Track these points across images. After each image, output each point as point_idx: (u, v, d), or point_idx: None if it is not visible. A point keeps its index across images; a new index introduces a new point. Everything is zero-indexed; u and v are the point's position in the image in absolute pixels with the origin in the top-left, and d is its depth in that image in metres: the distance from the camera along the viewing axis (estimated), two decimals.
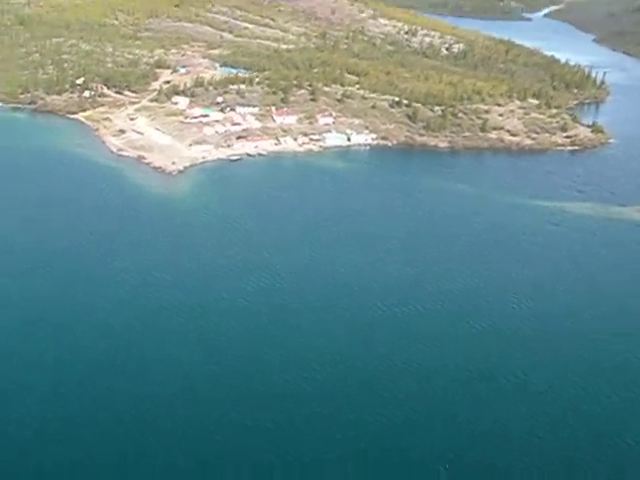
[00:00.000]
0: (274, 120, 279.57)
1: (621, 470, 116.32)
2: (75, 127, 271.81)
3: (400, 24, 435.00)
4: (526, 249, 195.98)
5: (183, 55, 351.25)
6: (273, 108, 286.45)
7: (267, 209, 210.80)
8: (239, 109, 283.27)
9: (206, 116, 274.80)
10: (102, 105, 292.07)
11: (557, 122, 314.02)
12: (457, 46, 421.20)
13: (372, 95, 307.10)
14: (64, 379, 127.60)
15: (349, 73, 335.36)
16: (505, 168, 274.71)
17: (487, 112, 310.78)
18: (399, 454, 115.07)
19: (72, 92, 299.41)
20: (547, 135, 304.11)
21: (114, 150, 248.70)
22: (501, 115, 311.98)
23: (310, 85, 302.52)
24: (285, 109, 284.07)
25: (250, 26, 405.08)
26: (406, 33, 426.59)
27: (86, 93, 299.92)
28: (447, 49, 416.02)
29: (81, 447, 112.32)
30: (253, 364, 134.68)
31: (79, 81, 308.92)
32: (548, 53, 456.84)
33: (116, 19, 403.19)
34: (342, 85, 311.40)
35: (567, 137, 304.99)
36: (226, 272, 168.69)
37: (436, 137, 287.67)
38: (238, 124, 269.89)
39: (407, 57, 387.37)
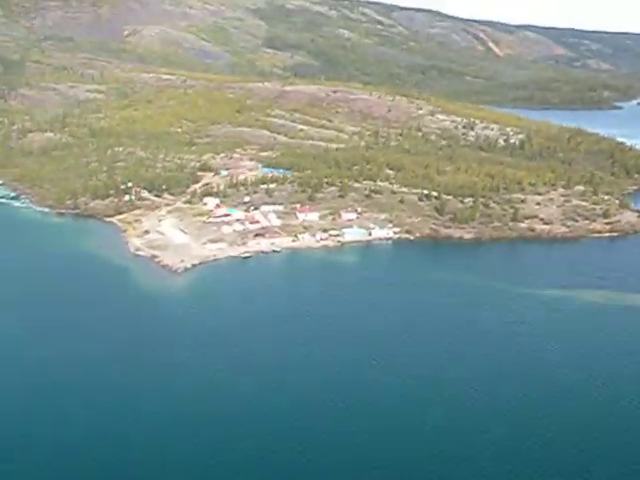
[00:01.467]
0: (297, 217, 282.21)
1: None
2: (106, 229, 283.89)
3: (459, 119, 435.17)
4: (507, 336, 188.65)
5: (230, 158, 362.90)
6: (298, 206, 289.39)
7: (256, 305, 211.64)
8: (264, 207, 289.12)
9: (228, 215, 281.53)
10: (139, 208, 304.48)
11: (601, 208, 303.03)
12: (516, 137, 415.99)
13: (403, 189, 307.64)
14: None
15: (390, 169, 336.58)
16: (527, 257, 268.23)
17: (523, 201, 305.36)
18: None
19: (115, 197, 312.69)
20: (586, 222, 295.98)
21: (132, 250, 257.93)
22: (538, 204, 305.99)
23: (340, 182, 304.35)
24: (307, 206, 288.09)
25: (305, 128, 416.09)
26: (463, 127, 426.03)
27: (126, 197, 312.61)
28: (505, 140, 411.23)
29: None
30: None
31: (124, 186, 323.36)
32: (621, 140, 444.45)
33: (180, 127, 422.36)
34: (374, 180, 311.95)
35: (607, 223, 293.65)
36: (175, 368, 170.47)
37: (462, 229, 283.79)
38: (257, 222, 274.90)
39: (459, 150, 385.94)
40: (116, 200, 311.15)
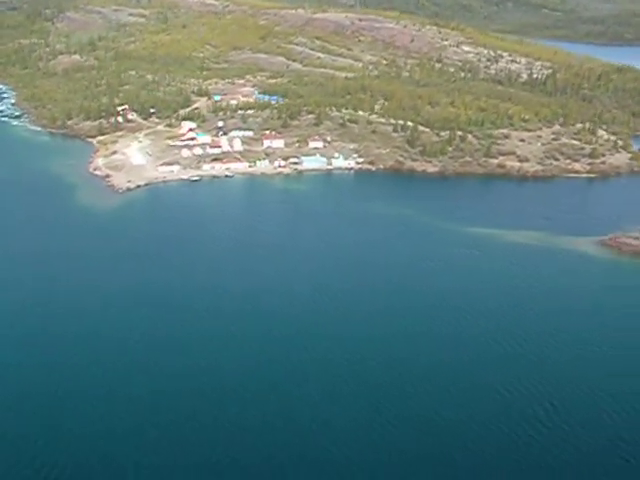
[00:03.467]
0: (262, 144, 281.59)
1: None
2: (81, 149, 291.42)
3: (486, 51, 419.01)
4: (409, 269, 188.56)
5: (233, 84, 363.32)
6: (267, 132, 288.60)
7: (174, 227, 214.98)
8: (233, 133, 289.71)
9: (194, 139, 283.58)
10: (122, 130, 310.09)
11: (591, 148, 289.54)
12: (542, 72, 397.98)
13: (380, 120, 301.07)
14: None
15: (385, 99, 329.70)
16: (480, 195, 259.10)
17: (506, 137, 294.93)
18: None
19: (105, 118, 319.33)
20: (567, 162, 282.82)
21: (90, 169, 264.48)
22: (522, 140, 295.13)
23: (315, 111, 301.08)
24: (274, 133, 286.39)
25: (322, 56, 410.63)
26: (487, 60, 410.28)
27: (116, 119, 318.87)
28: (529, 75, 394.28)
29: None
30: None
31: (120, 109, 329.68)
32: None
33: (202, 53, 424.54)
34: (359, 110, 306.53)
35: (590, 164, 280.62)
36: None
37: (429, 162, 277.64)
38: (218, 147, 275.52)
39: (472, 84, 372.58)
40: (104, 122, 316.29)
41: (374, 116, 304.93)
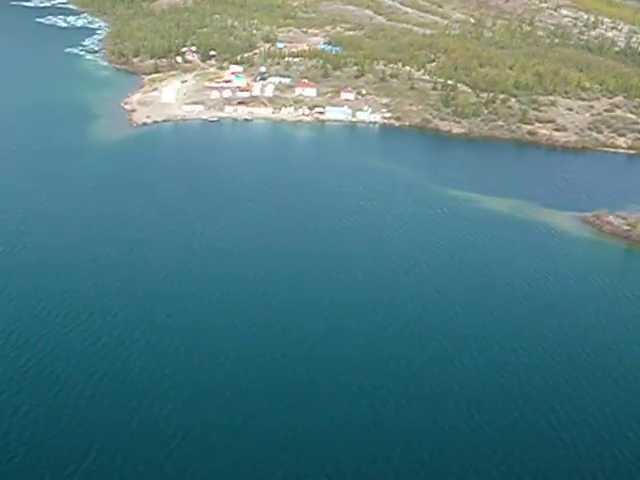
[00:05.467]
0: (294, 91, 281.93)
1: None
2: (130, 85, 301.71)
3: (586, 16, 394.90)
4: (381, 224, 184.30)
5: (305, 32, 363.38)
6: (304, 80, 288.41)
7: (162, 159, 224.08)
8: (272, 79, 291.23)
9: (229, 82, 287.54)
10: (176, 69, 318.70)
11: None
12: None
13: (424, 77, 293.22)
14: None
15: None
16: (490, 159, 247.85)
17: (552, 104, 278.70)
18: None
19: (167, 58, 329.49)
20: (610, 135, 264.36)
21: (121, 104, 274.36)
22: (570, 109, 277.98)
23: (357, 64, 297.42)
24: (307, 81, 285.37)
25: (410, 11, 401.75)
26: (584, 26, 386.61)
27: (178, 59, 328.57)
28: (627, 44, 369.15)
29: None
30: None
31: (184, 49, 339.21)
32: None
33: (296, 1, 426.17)
34: (404, 66, 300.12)
35: (636, 140, 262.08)
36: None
37: (458, 123, 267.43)
38: (247, 90, 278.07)
39: (555, 49, 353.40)
40: (164, 61, 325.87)
41: (419, 72, 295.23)
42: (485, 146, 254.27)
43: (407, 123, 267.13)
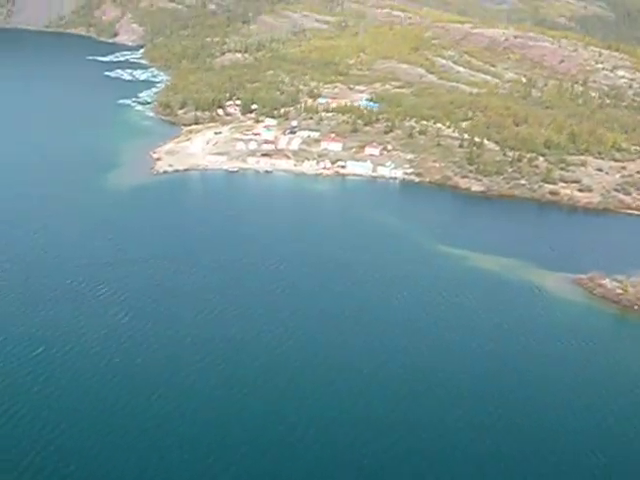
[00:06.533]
0: (319, 146, 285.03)
1: None
2: (167, 135, 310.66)
3: None
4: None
5: (351, 89, 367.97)
6: (332, 135, 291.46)
7: (170, 208, 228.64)
8: (300, 133, 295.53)
9: (257, 134, 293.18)
10: (215, 121, 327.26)
11: None
12: None
13: (452, 134, 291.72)
14: None
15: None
16: (495, 217, 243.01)
17: (582, 164, 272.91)
18: None
19: (209, 110, 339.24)
20: (639, 198, 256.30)
21: (151, 153, 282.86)
22: (600, 170, 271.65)
23: (389, 120, 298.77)
24: (333, 136, 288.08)
25: (462, 70, 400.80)
26: None
27: (220, 111, 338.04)
28: None
29: None
30: None
31: (229, 103, 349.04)
32: None
33: (352, 59, 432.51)
34: (435, 123, 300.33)
35: None
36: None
37: (479, 181, 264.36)
38: (272, 143, 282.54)
39: (605, 110, 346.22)
40: (207, 113, 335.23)
41: (449, 130, 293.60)
42: (501, 205, 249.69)
43: (427, 179, 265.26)
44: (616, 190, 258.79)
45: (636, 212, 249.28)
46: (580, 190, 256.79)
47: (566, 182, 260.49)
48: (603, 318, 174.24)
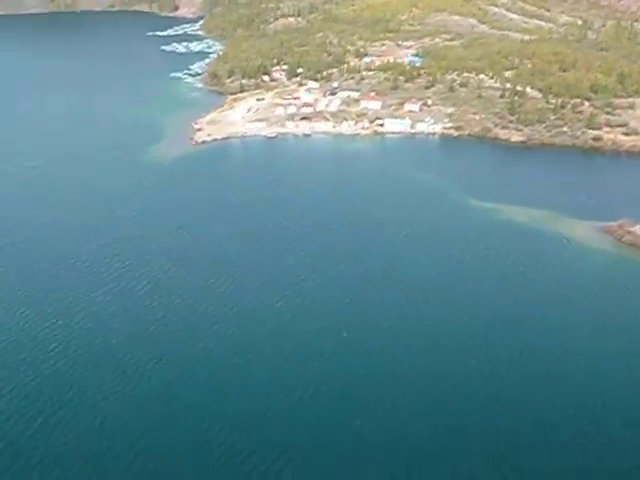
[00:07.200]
0: (359, 105, 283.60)
1: None
2: (213, 105, 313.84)
3: None
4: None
5: (398, 45, 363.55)
6: (372, 94, 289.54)
7: (205, 177, 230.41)
8: (341, 93, 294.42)
9: (297, 98, 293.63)
10: (260, 88, 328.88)
11: None
12: None
13: (494, 85, 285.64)
14: None
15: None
16: (533, 167, 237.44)
17: (630, 107, 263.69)
18: None
19: (256, 77, 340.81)
20: None
21: (192, 123, 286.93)
22: None
23: (430, 74, 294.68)
24: (373, 95, 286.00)
25: (515, 17, 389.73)
26: None
27: (265, 77, 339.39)
28: None
29: None
30: None
31: (275, 68, 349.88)
32: None
33: (405, 15, 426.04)
34: (479, 74, 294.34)
35: None
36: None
37: (520, 130, 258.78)
38: (310, 106, 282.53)
39: None
40: (253, 80, 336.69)
41: (491, 80, 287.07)
42: (541, 154, 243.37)
43: (467, 132, 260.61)
44: None
45: None
46: (625, 134, 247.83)
47: (611, 126, 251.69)
48: (629, 265, 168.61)
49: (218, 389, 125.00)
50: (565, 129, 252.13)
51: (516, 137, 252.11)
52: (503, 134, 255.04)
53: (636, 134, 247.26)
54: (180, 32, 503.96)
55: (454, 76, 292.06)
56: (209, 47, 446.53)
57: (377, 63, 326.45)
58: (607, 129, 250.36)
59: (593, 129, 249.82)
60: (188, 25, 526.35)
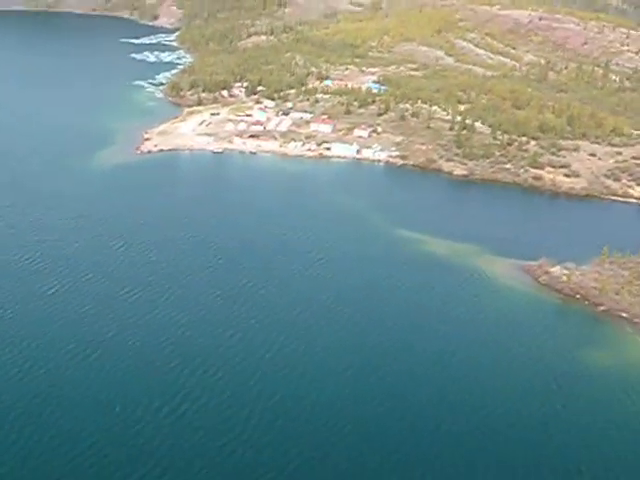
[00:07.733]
0: (309, 127, 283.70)
1: None
2: (167, 116, 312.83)
3: None
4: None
5: (362, 71, 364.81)
6: (324, 117, 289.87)
7: (142, 184, 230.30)
8: (293, 114, 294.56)
9: (249, 116, 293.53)
10: (217, 102, 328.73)
11: None
12: None
13: (446, 117, 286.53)
14: None
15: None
16: (465, 201, 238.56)
17: (575, 149, 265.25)
18: None
19: (215, 92, 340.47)
20: (629, 185, 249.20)
21: (142, 132, 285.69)
22: (593, 155, 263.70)
23: (383, 102, 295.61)
24: (324, 118, 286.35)
25: (481, 52, 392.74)
26: None
27: (224, 93, 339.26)
28: None
29: None
30: None
31: (237, 84, 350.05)
32: None
33: (374, 42, 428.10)
34: (431, 106, 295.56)
35: None
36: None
37: (463, 164, 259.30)
38: (260, 124, 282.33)
39: (621, 95, 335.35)
40: (210, 95, 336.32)
41: (444, 113, 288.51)
42: (480, 189, 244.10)
43: (411, 162, 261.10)
44: (606, 176, 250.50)
45: (621, 199, 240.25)
46: (567, 175, 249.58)
47: (554, 167, 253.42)
48: (536, 305, 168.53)
49: None
50: (508, 166, 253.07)
51: (459, 170, 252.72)
52: (447, 166, 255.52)
53: (576, 176, 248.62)
54: (154, 41, 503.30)
55: (407, 105, 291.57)
56: (179, 58, 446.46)
57: (333, 87, 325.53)
58: (549, 169, 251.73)
59: (535, 168, 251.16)
60: (164, 35, 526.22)
